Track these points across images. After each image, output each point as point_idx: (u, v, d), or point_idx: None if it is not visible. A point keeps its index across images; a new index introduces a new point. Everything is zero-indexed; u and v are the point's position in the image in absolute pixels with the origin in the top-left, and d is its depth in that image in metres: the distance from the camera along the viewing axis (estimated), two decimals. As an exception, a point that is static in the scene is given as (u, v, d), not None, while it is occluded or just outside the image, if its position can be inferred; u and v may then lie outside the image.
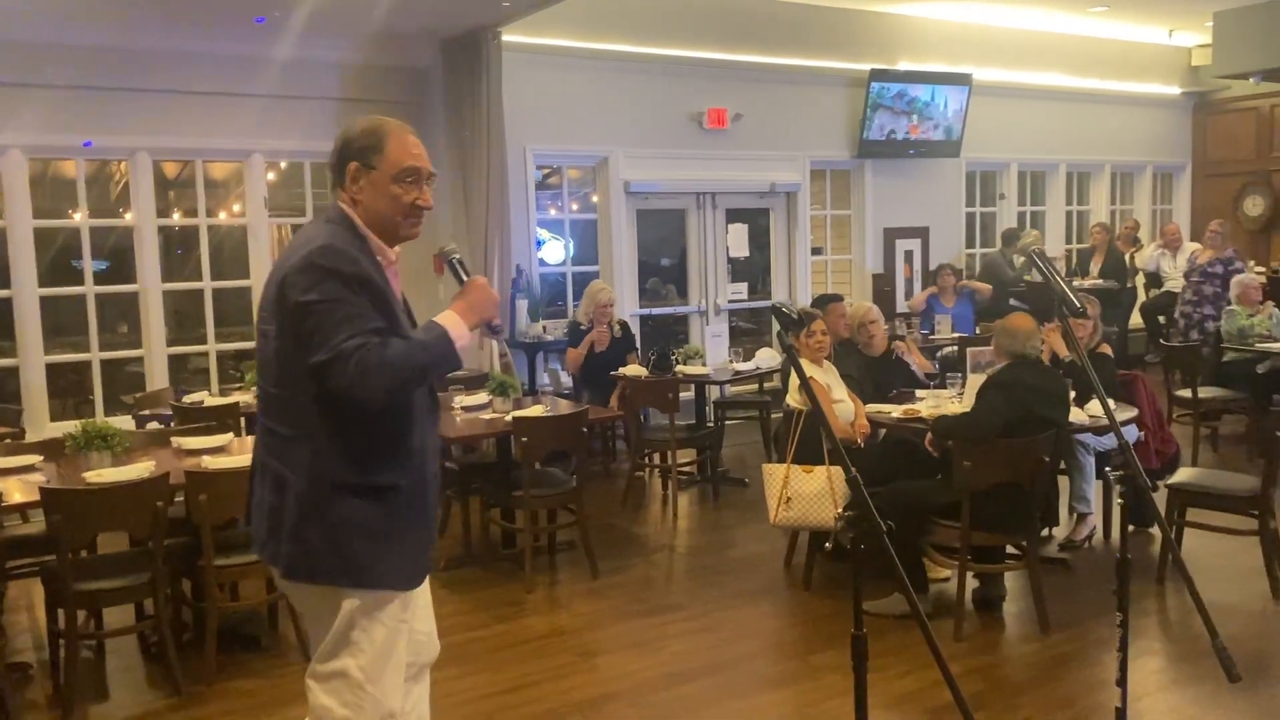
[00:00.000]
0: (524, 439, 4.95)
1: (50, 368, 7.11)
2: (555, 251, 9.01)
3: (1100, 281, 10.22)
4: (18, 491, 3.93)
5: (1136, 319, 11.08)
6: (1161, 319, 10.75)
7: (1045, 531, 5.59)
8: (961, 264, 10.78)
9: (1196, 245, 10.36)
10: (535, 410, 5.29)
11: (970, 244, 11.18)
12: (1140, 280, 11.04)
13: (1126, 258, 10.71)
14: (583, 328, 7.26)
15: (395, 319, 2.30)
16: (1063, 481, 5.48)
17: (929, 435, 4.67)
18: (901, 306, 10.04)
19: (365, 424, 2.26)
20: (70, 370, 7.42)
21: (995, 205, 11.37)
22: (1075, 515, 5.49)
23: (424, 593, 2.53)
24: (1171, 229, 10.72)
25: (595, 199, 8.92)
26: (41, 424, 6.49)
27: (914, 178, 10.38)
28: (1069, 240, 11.85)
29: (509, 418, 5.12)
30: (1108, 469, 5.37)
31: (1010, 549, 4.64)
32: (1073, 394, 5.25)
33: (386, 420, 2.30)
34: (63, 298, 6.96)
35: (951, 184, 10.72)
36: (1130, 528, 5.34)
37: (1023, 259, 10.21)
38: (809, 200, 9.89)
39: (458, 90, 7.58)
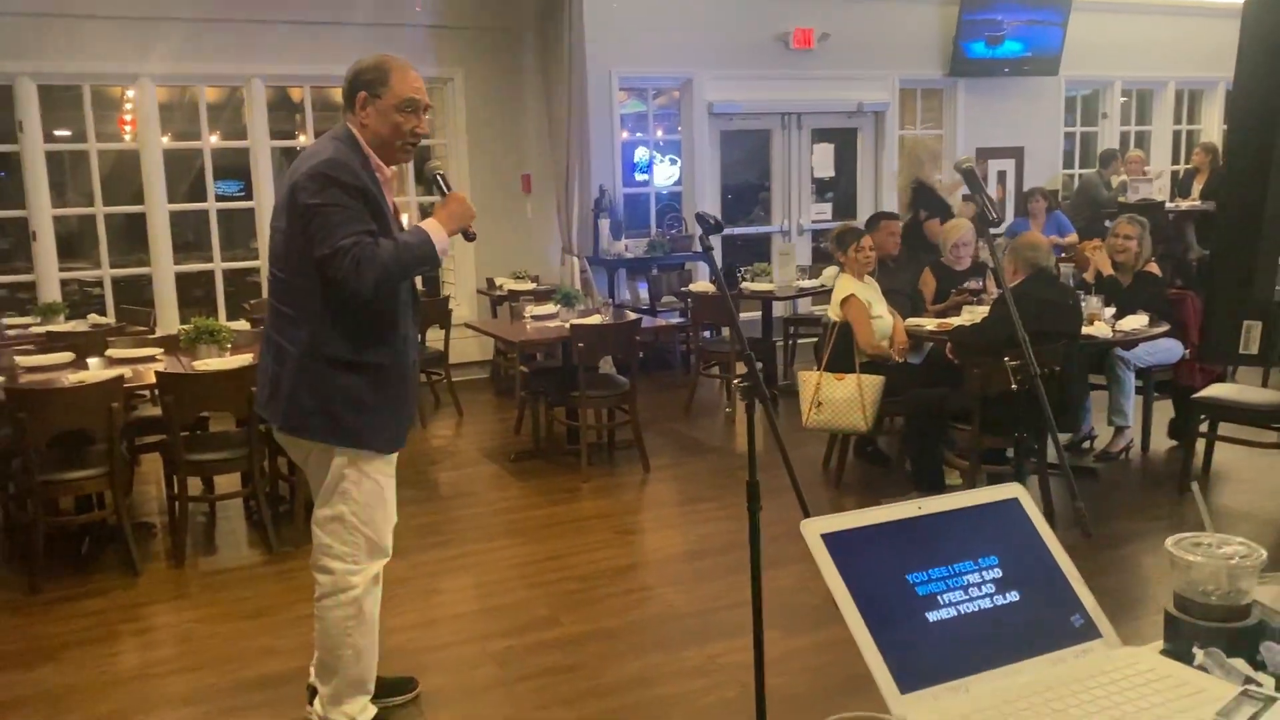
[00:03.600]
0: (580, 344, 5.42)
1: (183, 277, 7.96)
2: (665, 172, 9.33)
3: (1199, 203, 9.99)
4: (137, 377, 4.63)
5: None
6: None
7: (1086, 444, 5.82)
8: (1058, 185, 10.68)
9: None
10: (593, 319, 5.75)
11: (1069, 165, 11.04)
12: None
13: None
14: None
15: (387, 225, 2.75)
16: (1103, 396, 5.70)
17: (949, 345, 4.94)
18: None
19: (358, 309, 2.72)
20: (203, 280, 8.24)
21: (1097, 125, 11.16)
22: (1114, 427, 5.68)
23: (395, 460, 2.95)
24: None
25: (681, 127, 9.23)
26: (171, 325, 7.29)
27: (1009, 97, 10.30)
28: (1175, 161, 11.54)
29: (568, 325, 5.61)
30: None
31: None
32: (1110, 309, 5.44)
33: (376, 308, 2.75)
34: (199, 214, 7.73)
35: (1049, 103, 10.57)
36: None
37: (1119, 180, 10.08)
38: (898, 120, 9.95)
39: (546, 14, 7.95)
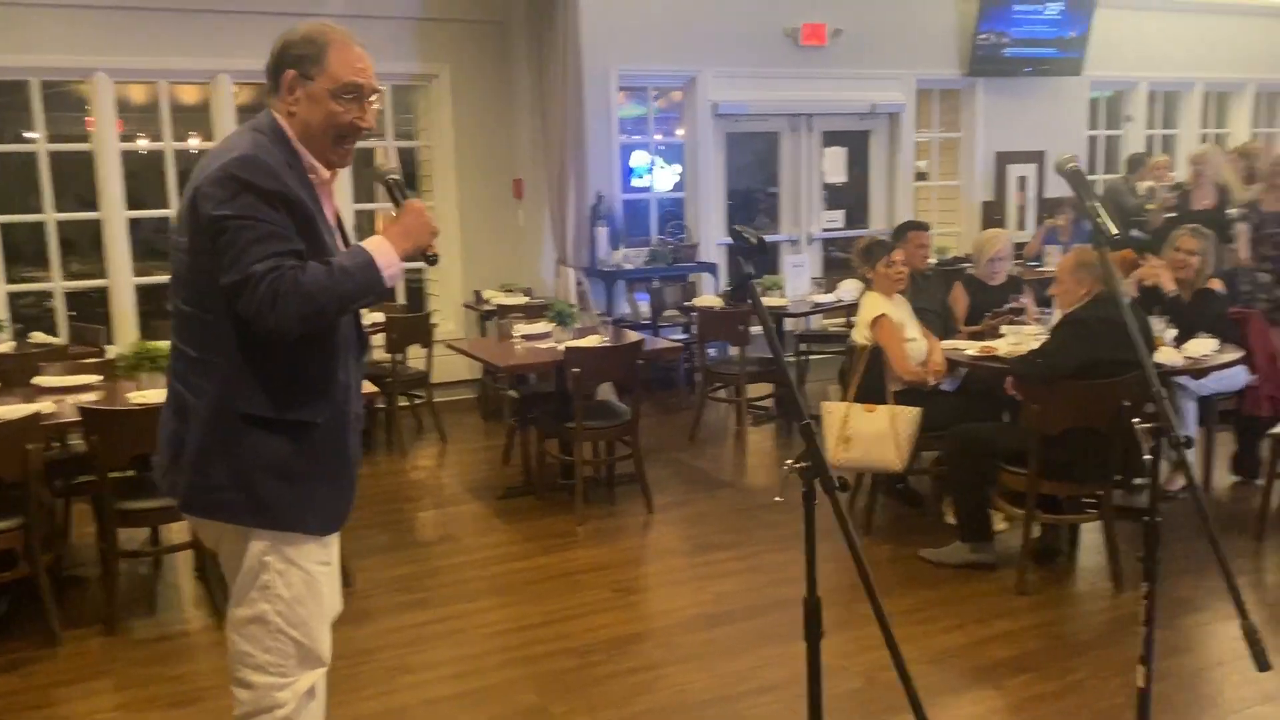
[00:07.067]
0: (575, 369, 4.81)
1: (152, 290, 7.32)
2: (665, 179, 8.72)
3: (1234, 213, 9.39)
4: (63, 411, 4.00)
5: None
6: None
7: (1137, 481, 5.21)
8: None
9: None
10: (590, 341, 5.14)
11: (1092, 170, 10.44)
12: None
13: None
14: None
15: (320, 242, 2.12)
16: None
17: (1009, 379, 4.32)
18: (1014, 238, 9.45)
19: (284, 353, 2.10)
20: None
21: (1121, 128, 10.58)
22: (1171, 464, 5.08)
23: (336, 542, 2.35)
24: (1318, 153, 9.76)
25: (679, 131, 8.62)
26: (130, 345, 6.67)
27: (1030, 98, 9.70)
28: (1204, 166, 10.94)
29: (561, 347, 4.99)
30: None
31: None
32: (1173, 333, 4.84)
33: (308, 351, 2.14)
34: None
35: (1073, 105, 9.98)
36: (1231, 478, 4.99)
37: (1147, 185, 9.49)
38: (914, 122, 9.35)
39: (539, 6, 7.35)
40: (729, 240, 8.69)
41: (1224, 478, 5.32)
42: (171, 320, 2.22)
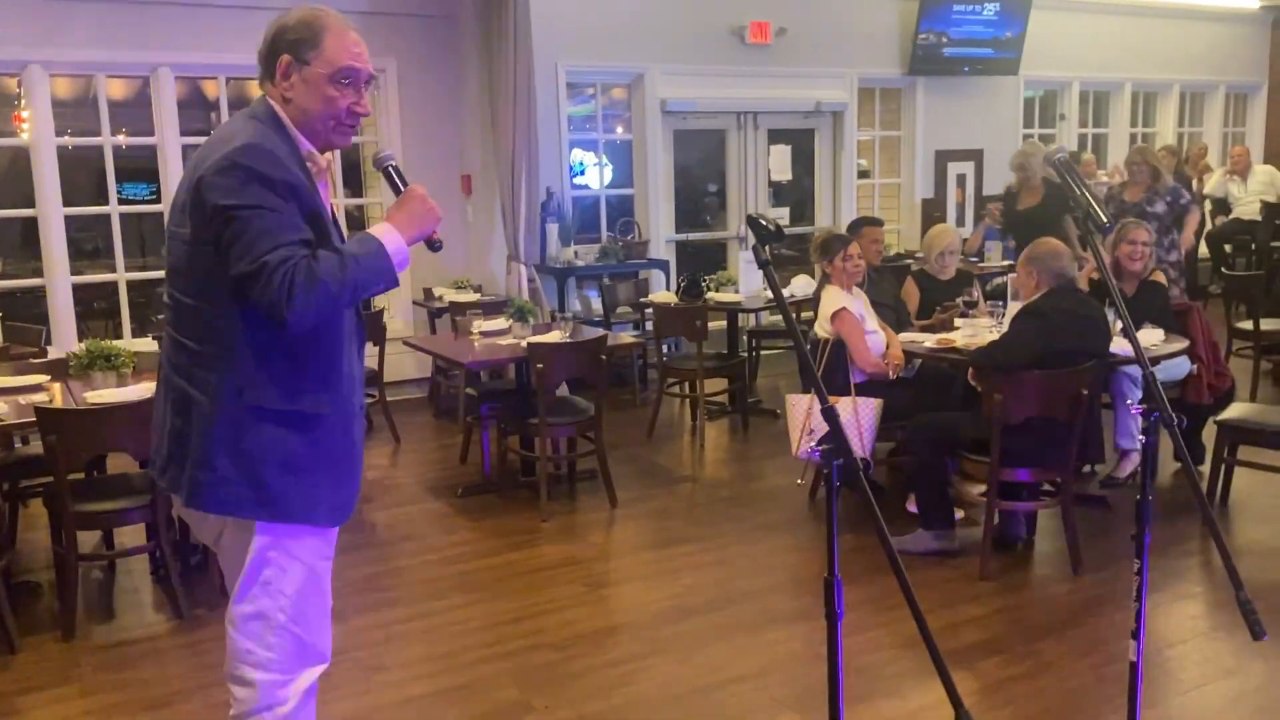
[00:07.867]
0: (539, 365, 4.79)
1: (87, 289, 7.11)
2: (596, 176, 8.73)
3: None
4: (16, 412, 3.87)
5: (1204, 248, 10.55)
6: (1228, 248, 10.26)
7: (1087, 468, 5.36)
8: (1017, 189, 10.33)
9: (1271, 168, 9.86)
10: (553, 336, 5.13)
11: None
12: (1208, 208, 10.50)
13: (1194, 183, 10.18)
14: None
15: (325, 230, 2.10)
16: (1106, 416, 5.26)
17: (971, 369, 4.41)
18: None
19: (290, 344, 2.08)
20: (108, 291, 7.40)
21: (1055, 127, 10.85)
22: (1119, 451, 5.24)
23: (335, 537, 2.32)
24: (1239, 152, 10.16)
25: (619, 129, 8.63)
26: (68, 345, 6.48)
27: (968, 97, 9.91)
28: (1133, 164, 11.29)
29: (524, 344, 4.98)
30: (1130, 401, 5.07)
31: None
32: (1119, 323, 4.98)
33: (314, 342, 2.11)
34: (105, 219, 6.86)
35: (1008, 104, 10.21)
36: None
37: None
38: (856, 120, 9.49)
39: (487, 2, 7.31)
40: (679, 237, 8.73)
41: (1167, 464, 5.48)
42: (168, 312, 2.17)
